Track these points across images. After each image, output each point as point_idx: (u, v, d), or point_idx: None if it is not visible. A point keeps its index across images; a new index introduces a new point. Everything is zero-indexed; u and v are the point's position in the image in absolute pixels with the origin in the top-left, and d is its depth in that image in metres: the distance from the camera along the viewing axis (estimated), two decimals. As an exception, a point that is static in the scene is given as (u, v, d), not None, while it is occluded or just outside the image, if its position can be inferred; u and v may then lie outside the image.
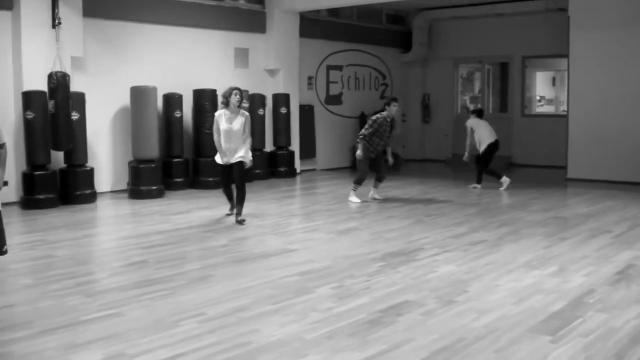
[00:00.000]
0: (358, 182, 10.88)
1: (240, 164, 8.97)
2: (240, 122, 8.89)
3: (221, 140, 8.92)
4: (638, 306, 5.27)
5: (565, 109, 14.69)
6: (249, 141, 9.10)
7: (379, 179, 11.06)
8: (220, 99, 9.20)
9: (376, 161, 10.94)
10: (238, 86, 9.29)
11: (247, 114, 9.08)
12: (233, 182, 9.15)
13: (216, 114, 9.03)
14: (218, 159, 9.09)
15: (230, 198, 9.46)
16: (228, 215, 9.48)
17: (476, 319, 4.96)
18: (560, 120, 15.21)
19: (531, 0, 15.85)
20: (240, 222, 8.92)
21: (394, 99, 10.97)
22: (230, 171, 9.07)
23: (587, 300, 5.43)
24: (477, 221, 9.10)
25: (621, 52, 13.14)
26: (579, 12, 13.48)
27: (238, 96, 8.87)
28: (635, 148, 12.92)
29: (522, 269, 6.51)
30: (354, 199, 10.83)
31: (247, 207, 10.17)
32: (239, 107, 8.96)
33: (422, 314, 5.09)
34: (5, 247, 4.95)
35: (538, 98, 18.21)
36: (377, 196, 11.08)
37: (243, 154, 8.96)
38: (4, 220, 4.93)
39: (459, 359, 4.24)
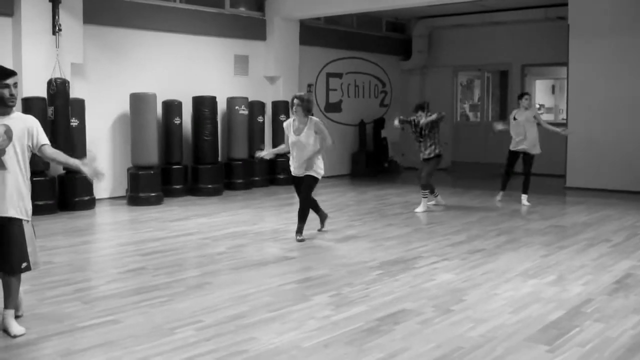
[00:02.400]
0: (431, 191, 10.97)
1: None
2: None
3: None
4: (635, 316, 5.26)
5: (565, 117, 14.70)
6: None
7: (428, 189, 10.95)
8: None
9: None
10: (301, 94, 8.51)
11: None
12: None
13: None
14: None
15: None
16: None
17: (473, 328, 4.96)
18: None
19: (531, 8, 15.88)
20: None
21: (421, 106, 10.68)
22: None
23: (584, 310, 5.43)
24: (476, 229, 9.10)
25: (621, 60, 13.15)
26: (578, 21, 13.51)
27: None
28: (634, 156, 12.91)
29: (520, 277, 6.50)
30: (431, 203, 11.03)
31: (246, 214, 10.20)
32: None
33: (419, 323, 5.08)
34: (25, 264, 4.78)
35: (537, 106, 18.20)
36: (442, 202, 11.19)
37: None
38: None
39: (456, 368, 4.24)
